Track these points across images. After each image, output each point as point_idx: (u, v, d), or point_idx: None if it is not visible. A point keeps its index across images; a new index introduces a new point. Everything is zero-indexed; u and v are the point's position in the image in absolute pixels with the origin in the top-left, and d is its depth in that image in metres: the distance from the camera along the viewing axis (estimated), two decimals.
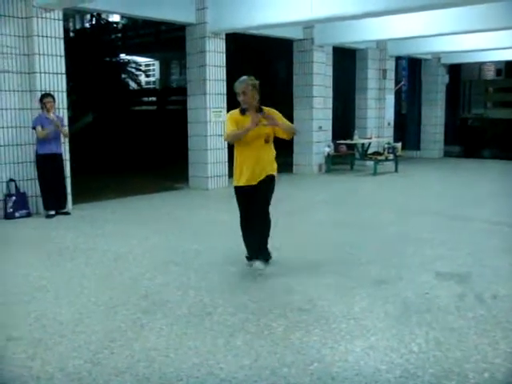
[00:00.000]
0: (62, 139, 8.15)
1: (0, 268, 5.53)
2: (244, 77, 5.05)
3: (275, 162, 5.24)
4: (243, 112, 5.07)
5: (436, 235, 6.75)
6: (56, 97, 8.06)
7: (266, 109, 5.07)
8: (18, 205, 7.98)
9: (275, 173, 5.19)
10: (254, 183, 5.07)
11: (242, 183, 5.11)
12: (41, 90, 7.99)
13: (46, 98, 7.82)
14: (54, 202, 8.06)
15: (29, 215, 8.04)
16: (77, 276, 5.17)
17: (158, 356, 3.44)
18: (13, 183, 8.01)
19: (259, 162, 5.07)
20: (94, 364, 3.34)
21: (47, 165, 7.89)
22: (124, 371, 3.25)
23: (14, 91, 7.94)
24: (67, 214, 8.14)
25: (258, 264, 5.04)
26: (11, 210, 7.92)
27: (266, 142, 5.12)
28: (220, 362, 3.35)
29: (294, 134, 5.27)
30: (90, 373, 3.23)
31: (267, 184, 5.10)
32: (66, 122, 8.20)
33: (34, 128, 7.84)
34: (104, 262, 5.67)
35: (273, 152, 5.23)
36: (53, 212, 8.01)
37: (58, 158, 8.03)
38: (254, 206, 5.10)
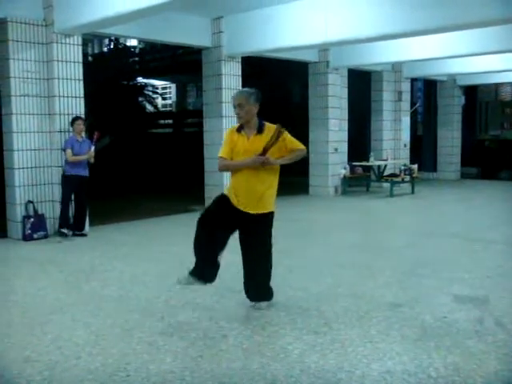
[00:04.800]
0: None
1: (17, 289, 5.57)
2: (245, 88, 4.56)
3: (273, 196, 4.53)
4: (239, 129, 4.46)
5: (454, 257, 6.68)
6: None
7: (270, 126, 4.43)
8: (36, 226, 8.05)
9: (273, 209, 4.52)
10: (252, 211, 4.42)
11: (235, 203, 4.44)
12: (60, 114, 8.12)
13: (76, 120, 8.01)
14: (71, 224, 8.13)
15: (46, 237, 8.10)
16: (93, 298, 5.19)
17: (174, 379, 3.42)
18: (31, 205, 8.10)
19: (252, 190, 4.39)
20: None
21: (72, 186, 7.99)
22: None
23: (33, 114, 8.08)
24: (84, 235, 8.19)
25: (261, 305, 4.72)
26: (29, 231, 7.99)
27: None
28: None
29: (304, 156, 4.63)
30: None
31: (264, 223, 4.50)
32: (92, 147, 8.12)
33: (64, 150, 7.98)
34: (120, 283, 5.68)
35: (272, 180, 4.48)
36: (65, 230, 7.99)
37: (83, 180, 8.10)
38: (253, 251, 4.57)
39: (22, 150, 8.02)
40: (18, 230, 8.06)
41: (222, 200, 4.53)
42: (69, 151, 7.88)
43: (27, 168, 8.08)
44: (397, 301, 4.94)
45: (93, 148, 8.08)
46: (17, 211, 8.05)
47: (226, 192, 4.57)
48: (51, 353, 3.86)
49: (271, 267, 4.70)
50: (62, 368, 3.60)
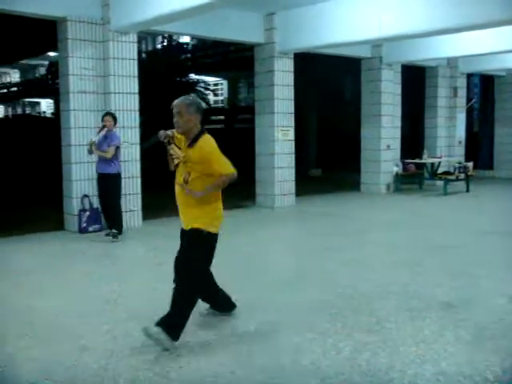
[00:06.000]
0: (120, 157, 7.89)
1: (73, 280, 5.75)
2: (186, 96, 4.18)
3: (198, 215, 4.03)
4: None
5: (509, 257, 6.48)
6: (129, 116, 8.45)
7: (202, 141, 3.98)
8: (92, 219, 8.29)
9: (202, 227, 4.00)
10: (183, 227, 4.21)
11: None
12: (115, 110, 8.27)
13: (104, 116, 7.70)
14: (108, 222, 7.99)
15: (101, 230, 8.29)
16: (146, 290, 5.30)
17: (224, 372, 3.46)
18: (87, 199, 8.33)
19: (181, 204, 4.17)
20: (162, 377, 3.41)
21: (98, 184, 7.82)
22: None
23: (90, 111, 8.30)
24: (116, 236, 7.65)
25: (155, 330, 3.81)
26: (85, 224, 8.23)
27: (185, 182, 4.00)
28: (286, 382, 3.34)
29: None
30: None
31: (188, 240, 4.15)
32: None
33: None
34: (172, 277, 5.76)
35: (196, 200, 4.00)
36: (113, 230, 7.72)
37: (105, 177, 7.65)
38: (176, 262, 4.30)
39: (79, 145, 8.24)
40: (75, 222, 8.31)
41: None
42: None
43: (83, 163, 8.30)
44: (450, 301, 4.83)
45: (95, 138, 7.50)
46: (73, 205, 8.30)
47: None
48: (107, 342, 3.97)
49: (183, 292, 4.16)
50: (118, 357, 3.70)
